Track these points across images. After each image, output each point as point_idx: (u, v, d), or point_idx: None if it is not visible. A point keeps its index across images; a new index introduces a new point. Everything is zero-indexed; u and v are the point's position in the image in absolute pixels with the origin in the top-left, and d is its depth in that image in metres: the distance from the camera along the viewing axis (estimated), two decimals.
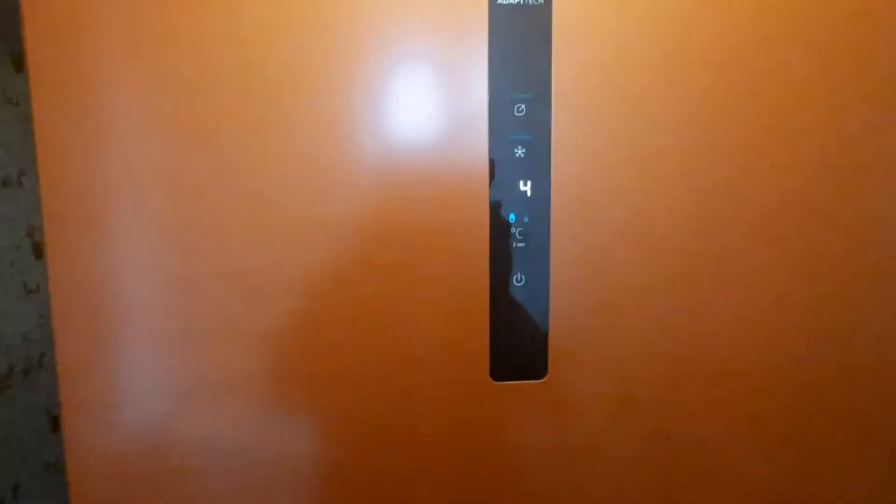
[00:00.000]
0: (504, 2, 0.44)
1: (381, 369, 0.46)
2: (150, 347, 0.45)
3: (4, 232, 1.64)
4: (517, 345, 0.47)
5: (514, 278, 0.47)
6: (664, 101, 0.45)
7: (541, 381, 0.48)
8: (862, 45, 0.46)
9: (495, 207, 0.46)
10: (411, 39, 0.43)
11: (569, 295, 0.47)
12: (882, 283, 0.49)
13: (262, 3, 0.42)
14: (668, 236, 0.47)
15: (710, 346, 0.48)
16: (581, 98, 0.45)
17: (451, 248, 0.46)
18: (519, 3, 0.44)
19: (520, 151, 0.45)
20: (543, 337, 0.47)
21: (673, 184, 0.46)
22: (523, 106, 0.45)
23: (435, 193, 0.45)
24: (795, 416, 0.50)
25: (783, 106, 0.46)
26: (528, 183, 0.46)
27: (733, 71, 0.46)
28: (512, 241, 0.46)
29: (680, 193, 0.47)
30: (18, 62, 1.70)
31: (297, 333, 0.46)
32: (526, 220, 0.46)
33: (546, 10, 0.44)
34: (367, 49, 0.43)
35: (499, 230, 0.46)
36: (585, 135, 0.45)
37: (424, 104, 0.44)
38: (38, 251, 1.76)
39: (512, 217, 0.46)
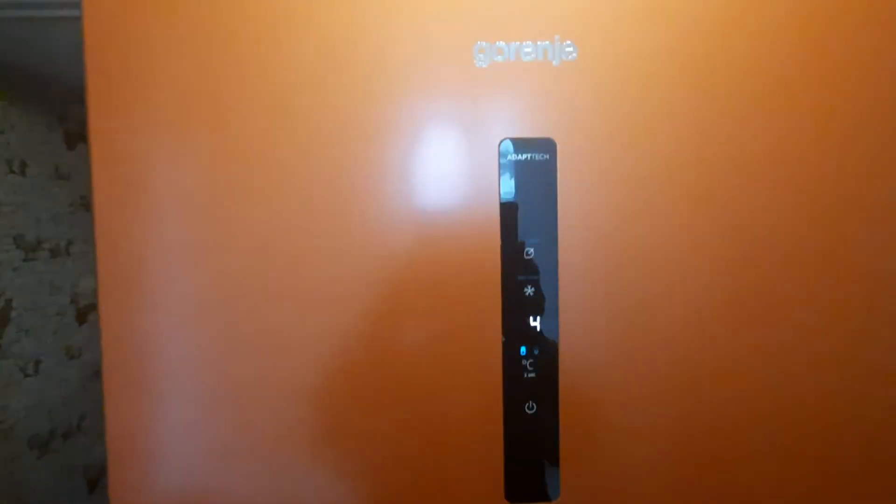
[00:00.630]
0: (513, 158, 0.48)
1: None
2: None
3: (51, 300, 1.73)
4: (530, 467, 0.50)
5: (526, 406, 0.50)
6: (666, 243, 0.49)
7: (554, 502, 0.50)
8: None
9: (508, 341, 0.49)
10: (430, 191, 0.48)
11: (578, 422, 0.50)
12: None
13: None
14: (672, 368, 0.50)
15: (716, 471, 0.51)
16: (586, 241, 0.49)
17: (468, 378, 0.49)
18: (527, 158, 0.48)
19: (529, 290, 0.49)
20: (555, 460, 0.50)
21: (678, 329, 0.50)
22: (532, 249, 0.49)
23: (451, 326, 0.49)
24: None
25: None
26: (538, 319, 0.49)
27: (739, 201, 0.49)
28: (523, 373, 0.50)
29: (687, 335, 0.50)
30: (71, 139, 1.82)
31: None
32: (536, 352, 0.50)
33: (552, 163, 0.49)
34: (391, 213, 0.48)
35: (511, 362, 0.49)
36: (591, 276, 0.49)
37: (439, 251, 0.48)
38: (82, 317, 1.84)
39: (523, 350, 0.50)
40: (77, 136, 1.82)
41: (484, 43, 0.48)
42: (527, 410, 0.50)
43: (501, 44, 0.48)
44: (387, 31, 0.47)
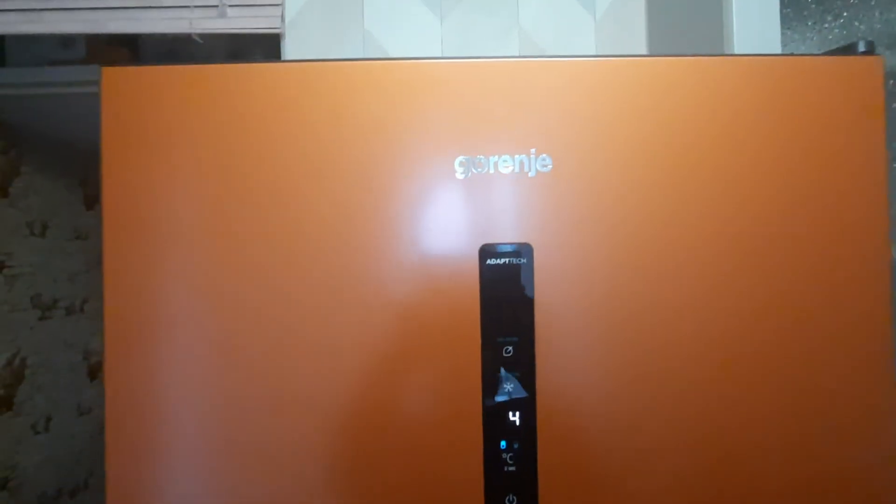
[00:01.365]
0: (492, 262, 0.52)
1: None
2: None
3: (64, 356, 1.77)
4: None
5: (507, 499, 0.52)
6: (643, 340, 0.52)
7: None
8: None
9: (488, 435, 0.52)
10: (416, 293, 0.51)
11: None
12: None
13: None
14: (659, 452, 0.52)
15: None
16: (562, 339, 0.52)
17: (447, 473, 0.51)
18: (505, 263, 0.52)
19: (509, 387, 0.52)
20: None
21: (660, 418, 0.52)
22: (511, 348, 0.52)
23: (434, 419, 0.51)
24: None
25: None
26: (517, 414, 0.52)
27: (715, 308, 0.52)
28: (503, 466, 0.52)
29: (665, 426, 0.52)
30: (89, 201, 1.88)
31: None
32: (515, 446, 0.52)
33: (528, 266, 0.52)
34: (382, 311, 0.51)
35: (491, 456, 0.52)
36: (567, 371, 0.52)
37: (423, 348, 0.51)
38: (93, 373, 1.88)
39: (503, 444, 0.52)
40: (95, 197, 1.89)
41: (464, 157, 0.52)
42: (507, 503, 0.52)
43: (480, 157, 0.52)
44: (374, 146, 0.52)
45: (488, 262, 0.52)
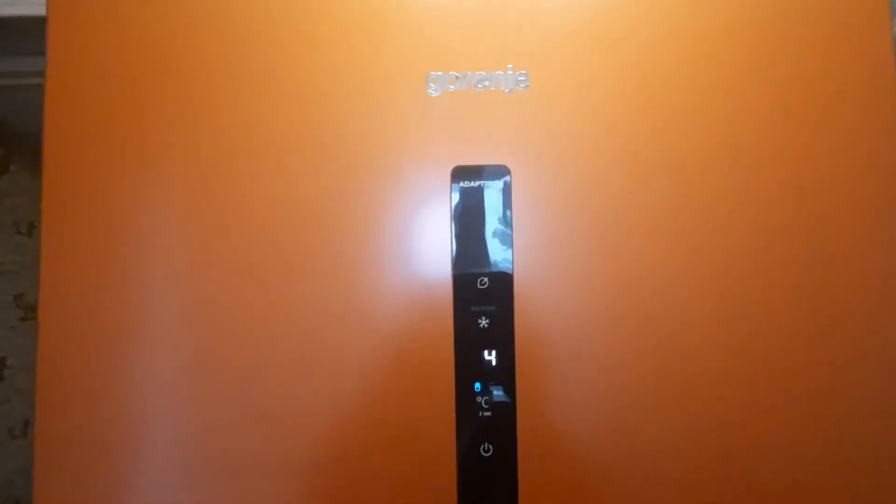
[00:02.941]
0: (465, 185, 0.48)
1: None
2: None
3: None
4: None
5: (482, 448, 0.47)
6: (623, 269, 0.47)
7: None
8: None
9: (461, 376, 0.47)
10: (385, 218, 0.47)
11: (536, 463, 0.46)
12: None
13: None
14: (635, 401, 0.47)
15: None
16: (539, 268, 0.47)
17: (419, 416, 0.46)
18: (480, 184, 0.48)
19: (483, 322, 0.47)
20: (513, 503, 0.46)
21: (638, 356, 0.47)
22: (486, 279, 0.47)
23: (406, 357, 0.47)
24: None
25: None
26: (493, 353, 0.47)
27: (691, 228, 0.47)
28: (478, 411, 0.47)
29: (648, 364, 0.47)
30: None
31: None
32: (491, 389, 0.47)
33: (507, 189, 0.47)
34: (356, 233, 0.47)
35: (464, 399, 0.47)
36: (546, 306, 0.47)
37: (395, 276, 0.47)
38: None
39: (477, 386, 0.47)
40: None
41: (437, 73, 0.48)
42: (482, 453, 0.46)
43: (454, 73, 0.48)
44: (340, 67, 0.48)
45: (461, 184, 0.48)
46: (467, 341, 0.47)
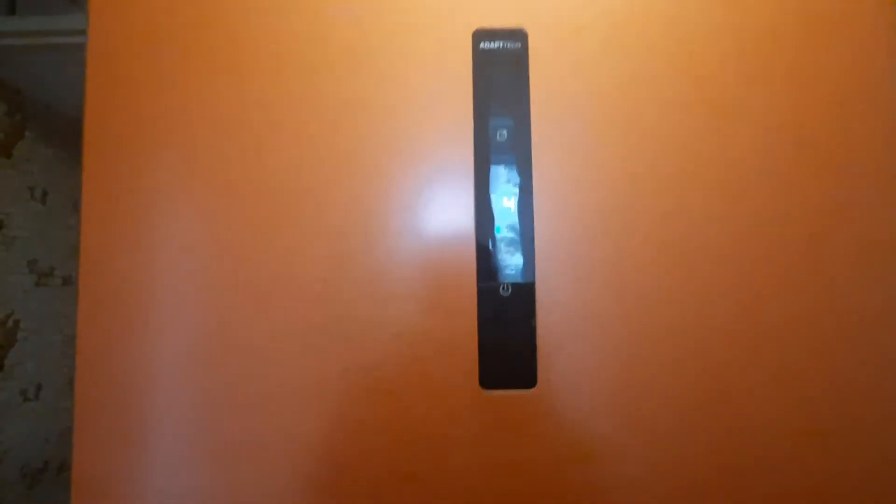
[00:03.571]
0: (486, 47, 0.51)
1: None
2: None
3: (58, 328, 1.74)
4: (506, 353, 0.49)
5: (501, 288, 0.49)
6: (642, 132, 0.50)
7: (531, 390, 0.49)
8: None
9: (481, 212, 0.50)
10: (402, 91, 0.50)
11: (556, 302, 0.49)
12: None
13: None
14: (652, 236, 0.50)
15: (703, 353, 0.49)
16: (561, 119, 0.50)
17: (439, 255, 0.49)
18: (499, 47, 0.51)
19: (501, 134, 0.50)
20: (532, 346, 0.49)
21: (652, 199, 0.50)
22: (505, 132, 0.50)
23: (423, 194, 0.50)
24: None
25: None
26: (512, 199, 0.50)
27: (710, 105, 0.51)
28: (499, 251, 0.50)
29: (666, 206, 0.50)
30: None
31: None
32: (511, 228, 0.50)
33: (523, 52, 0.51)
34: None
35: (485, 238, 0.50)
36: (566, 158, 0.50)
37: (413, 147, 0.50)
38: None
39: (497, 229, 0.50)
40: None
41: None
42: (502, 292, 0.49)
43: None
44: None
45: (481, 46, 0.51)
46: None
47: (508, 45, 0.51)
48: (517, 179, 0.51)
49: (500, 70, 0.51)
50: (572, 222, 0.50)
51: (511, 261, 0.50)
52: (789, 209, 0.50)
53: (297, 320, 0.48)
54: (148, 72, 0.51)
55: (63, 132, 1.77)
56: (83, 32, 1.35)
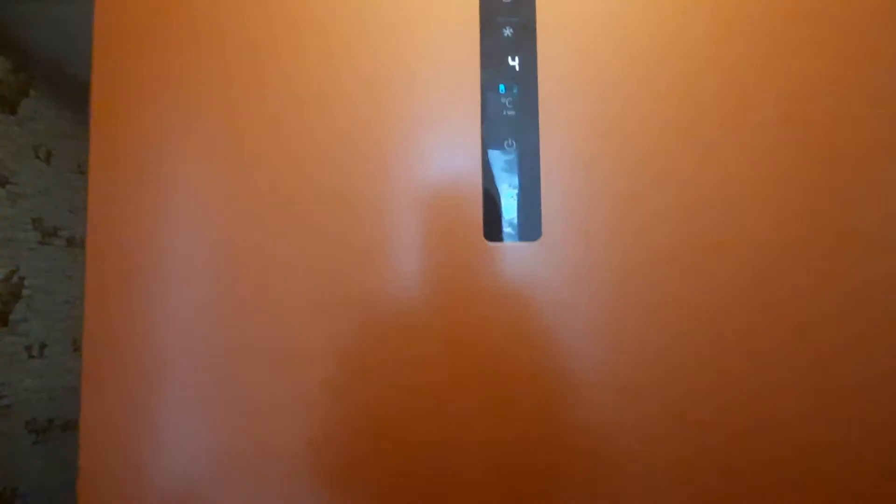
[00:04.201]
0: None
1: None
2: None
3: (63, 288, 1.75)
4: (510, 207, 0.50)
5: (506, 143, 0.50)
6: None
7: (535, 241, 0.49)
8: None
9: (486, 78, 0.50)
10: None
11: (559, 158, 0.50)
12: None
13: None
14: (661, 88, 0.50)
15: (711, 214, 0.50)
16: None
17: (443, 117, 0.50)
18: None
19: (507, 31, 0.51)
20: (536, 200, 0.50)
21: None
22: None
23: (425, 54, 0.50)
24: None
25: None
26: (516, 59, 0.51)
27: None
28: (502, 110, 0.50)
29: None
30: None
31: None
32: (515, 90, 0.50)
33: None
34: None
35: (489, 97, 0.50)
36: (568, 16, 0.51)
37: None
38: None
39: (502, 88, 0.51)
40: None
41: None
42: (506, 147, 0.50)
43: None
44: None
45: None
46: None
47: None
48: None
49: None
50: None
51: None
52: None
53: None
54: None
55: (68, 94, 1.78)
56: None
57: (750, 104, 0.50)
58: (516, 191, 0.50)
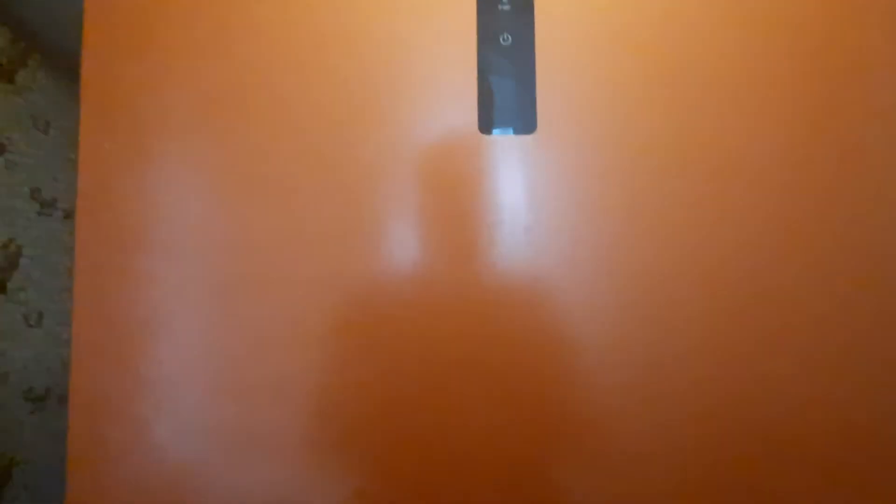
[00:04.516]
0: None
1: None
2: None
3: (61, 259, 1.75)
4: (505, 99, 0.49)
5: (501, 38, 0.50)
6: None
7: (530, 135, 0.49)
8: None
9: None
10: None
11: (555, 53, 0.50)
12: None
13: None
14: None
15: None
16: None
17: (438, 9, 0.50)
18: None
19: None
20: (531, 94, 0.49)
21: None
22: None
23: None
24: None
25: None
26: None
27: None
28: (497, 3, 0.50)
29: None
30: None
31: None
32: None
33: None
34: None
35: None
36: None
37: None
38: None
39: None
40: None
41: None
42: (502, 42, 0.50)
43: None
44: None
45: None
46: None
47: None
48: None
49: None
50: None
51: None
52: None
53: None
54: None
55: (67, 65, 1.78)
56: None
57: None
58: (512, 83, 0.50)
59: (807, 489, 0.45)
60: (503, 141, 0.49)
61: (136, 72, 0.50)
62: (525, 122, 0.49)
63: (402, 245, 0.47)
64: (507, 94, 0.49)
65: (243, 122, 0.49)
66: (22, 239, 1.60)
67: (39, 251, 1.65)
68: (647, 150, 0.49)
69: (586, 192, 0.49)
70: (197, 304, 0.48)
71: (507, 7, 0.50)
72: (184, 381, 0.47)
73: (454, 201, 0.48)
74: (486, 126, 0.49)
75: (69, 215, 1.78)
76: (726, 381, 0.45)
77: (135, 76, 0.50)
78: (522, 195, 0.48)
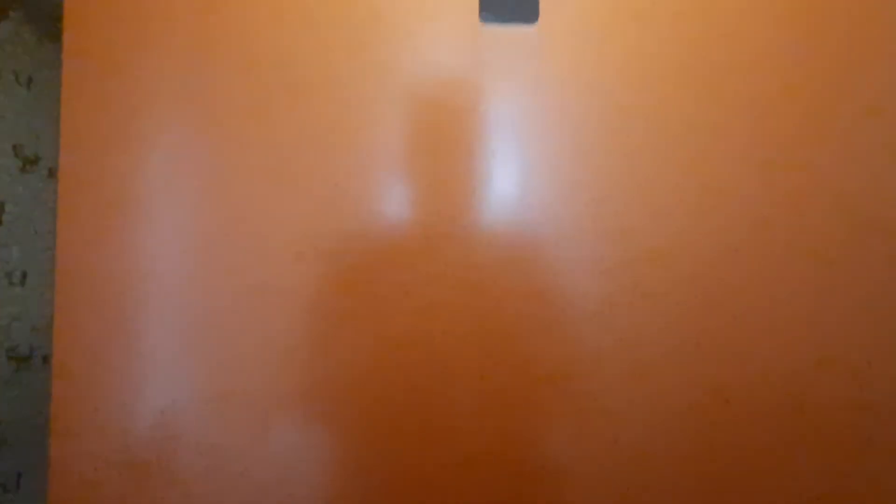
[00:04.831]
0: None
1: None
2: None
3: (44, 219, 1.73)
4: None
5: None
6: None
7: (532, 25, 0.48)
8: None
9: None
10: None
11: None
12: None
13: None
14: None
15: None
16: None
17: None
18: None
19: None
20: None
21: None
22: None
23: None
24: None
25: None
26: None
27: None
28: None
29: None
30: None
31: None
32: None
33: None
34: None
35: None
36: None
37: None
38: None
39: None
40: None
41: None
42: None
43: None
44: None
45: None
46: None
47: None
48: None
49: None
50: None
51: None
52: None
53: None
54: None
55: (49, 20, 1.73)
56: None
57: None
58: None
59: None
60: (504, 31, 0.48)
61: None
62: (527, 11, 0.48)
63: (393, 162, 0.47)
64: None
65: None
66: (4, 195, 1.57)
67: (23, 208, 1.62)
68: (650, 42, 0.48)
69: (590, 88, 0.47)
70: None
71: None
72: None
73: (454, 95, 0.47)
74: (487, 14, 0.48)
75: (53, 174, 1.75)
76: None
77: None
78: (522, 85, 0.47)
